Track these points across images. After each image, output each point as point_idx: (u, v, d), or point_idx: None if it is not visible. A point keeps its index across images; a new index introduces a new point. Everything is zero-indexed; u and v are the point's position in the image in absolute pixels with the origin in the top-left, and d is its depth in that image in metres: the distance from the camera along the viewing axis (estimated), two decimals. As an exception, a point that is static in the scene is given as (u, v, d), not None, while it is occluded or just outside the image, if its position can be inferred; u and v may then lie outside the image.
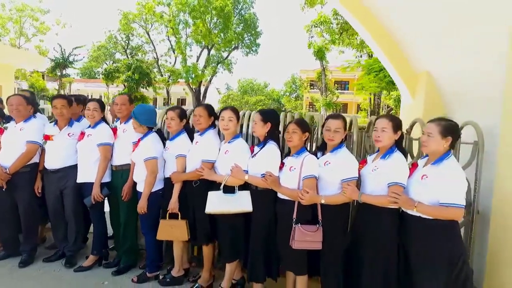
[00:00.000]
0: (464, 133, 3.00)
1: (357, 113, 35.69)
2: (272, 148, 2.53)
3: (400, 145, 2.31)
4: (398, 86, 4.94)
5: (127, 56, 33.59)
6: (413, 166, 2.25)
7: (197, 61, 30.30)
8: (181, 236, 2.83)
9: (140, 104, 3.44)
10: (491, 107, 2.86)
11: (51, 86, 30.25)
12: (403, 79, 4.50)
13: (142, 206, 2.89)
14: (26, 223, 3.35)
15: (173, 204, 2.83)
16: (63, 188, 3.28)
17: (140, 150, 2.96)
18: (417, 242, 2.09)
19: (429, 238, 2.03)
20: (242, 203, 2.56)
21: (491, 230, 2.60)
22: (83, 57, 28.90)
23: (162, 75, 30.85)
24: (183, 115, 2.98)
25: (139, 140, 3.06)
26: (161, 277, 3.06)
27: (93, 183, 3.16)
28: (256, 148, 2.65)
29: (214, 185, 2.70)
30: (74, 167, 3.28)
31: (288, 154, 2.58)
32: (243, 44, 31.65)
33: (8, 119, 3.60)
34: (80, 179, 3.24)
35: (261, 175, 2.49)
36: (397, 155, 2.22)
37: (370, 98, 15.21)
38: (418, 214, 2.07)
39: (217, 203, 2.58)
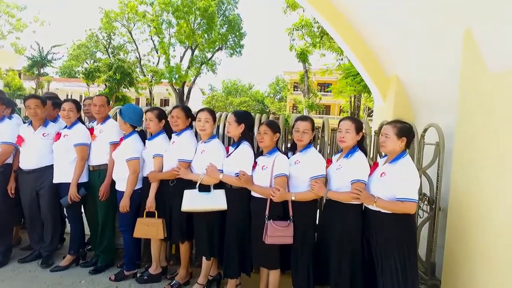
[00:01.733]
0: (428, 134, 3.21)
1: (339, 115, 36.37)
2: (245, 148, 2.65)
3: (361, 145, 2.47)
4: (370, 89, 5.15)
5: (109, 55, 32.96)
6: (374, 165, 2.41)
7: (180, 61, 30.15)
8: (157, 234, 2.90)
9: (128, 103, 3.49)
10: (451, 109, 3.07)
11: (28, 85, 29.33)
12: (375, 82, 4.71)
13: (124, 205, 2.95)
14: (0, 224, 3.33)
15: (150, 203, 2.90)
16: (39, 188, 3.28)
17: (122, 150, 3.01)
18: (377, 233, 2.25)
19: (386, 229, 2.20)
20: (217, 201, 2.66)
21: (448, 225, 2.79)
22: (62, 55, 28.14)
23: (144, 75, 30.47)
24: (161, 116, 3.05)
25: (121, 140, 3.12)
26: (138, 275, 3.11)
27: (70, 183, 3.18)
28: (231, 148, 2.76)
29: (190, 184, 2.79)
30: (50, 167, 3.29)
31: (261, 154, 2.70)
32: (227, 45, 31.69)
33: None
34: (57, 179, 3.24)
35: (235, 174, 2.59)
36: (359, 154, 2.38)
37: (350, 101, 15.60)
38: (377, 209, 2.23)
39: (192, 201, 2.67)
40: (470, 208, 2.54)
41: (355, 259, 2.35)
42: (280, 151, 2.64)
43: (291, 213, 2.49)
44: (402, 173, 2.16)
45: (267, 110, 48.90)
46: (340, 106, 35.35)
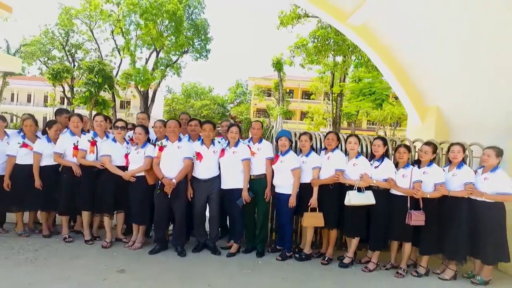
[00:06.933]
0: (473, 149, 4.80)
1: (301, 120, 39.03)
2: (390, 162, 4.01)
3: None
4: (407, 111, 6.74)
5: (65, 53, 31.30)
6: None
7: (146, 63, 29.82)
8: (319, 223, 4.07)
9: (281, 130, 4.54)
10: (483, 131, 4.68)
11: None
12: (415, 106, 6.28)
13: (293, 201, 4.07)
14: (181, 222, 4.19)
15: (314, 201, 4.06)
16: (210, 193, 4.23)
17: (286, 163, 4.11)
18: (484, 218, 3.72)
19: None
20: (369, 198, 3.93)
21: None
22: (32, 54, 26.19)
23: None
24: (311, 137, 4.23)
25: (276, 156, 4.21)
26: (296, 255, 4.23)
27: (238, 189, 4.19)
28: (376, 162, 4.05)
29: (343, 187, 4.02)
30: (217, 177, 4.27)
31: (396, 166, 4.04)
32: (193, 49, 32.00)
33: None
34: (227, 186, 4.24)
35: (383, 179, 3.91)
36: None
37: (332, 107, 17.68)
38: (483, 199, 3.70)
39: (354, 198, 3.91)
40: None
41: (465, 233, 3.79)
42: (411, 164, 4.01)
43: (421, 205, 3.87)
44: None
45: (228, 113, 49.92)
46: (302, 112, 37.97)
